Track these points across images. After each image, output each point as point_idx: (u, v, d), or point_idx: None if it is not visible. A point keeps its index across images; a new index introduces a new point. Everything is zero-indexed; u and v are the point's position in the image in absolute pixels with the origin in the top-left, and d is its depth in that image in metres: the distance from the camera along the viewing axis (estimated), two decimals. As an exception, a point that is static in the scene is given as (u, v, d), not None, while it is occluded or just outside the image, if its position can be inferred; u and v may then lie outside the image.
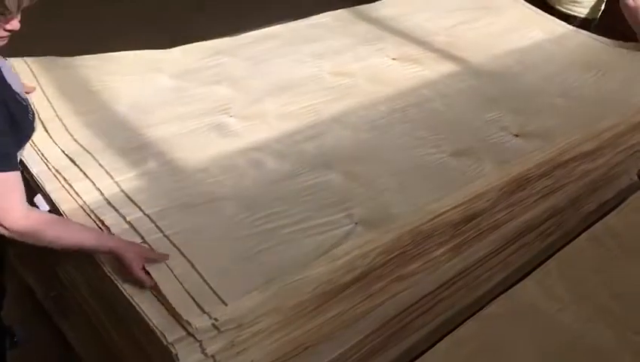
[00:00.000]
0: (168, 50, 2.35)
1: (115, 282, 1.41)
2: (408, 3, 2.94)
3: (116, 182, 1.69)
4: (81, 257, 1.54)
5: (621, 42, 2.72)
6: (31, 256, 1.95)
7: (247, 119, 2.02)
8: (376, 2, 2.94)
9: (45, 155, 1.75)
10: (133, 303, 1.37)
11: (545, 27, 2.83)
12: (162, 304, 1.37)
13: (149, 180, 1.72)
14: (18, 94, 1.42)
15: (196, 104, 2.07)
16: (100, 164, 1.75)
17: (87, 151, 1.79)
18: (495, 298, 1.93)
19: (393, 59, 2.45)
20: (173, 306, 1.34)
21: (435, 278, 1.82)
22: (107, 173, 1.72)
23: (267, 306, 1.40)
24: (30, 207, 1.38)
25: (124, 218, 1.57)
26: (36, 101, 1.87)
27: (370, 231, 1.60)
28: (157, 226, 1.56)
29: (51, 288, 1.91)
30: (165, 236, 1.53)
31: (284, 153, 1.89)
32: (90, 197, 1.64)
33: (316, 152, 1.90)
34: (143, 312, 1.35)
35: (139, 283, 1.40)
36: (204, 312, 1.34)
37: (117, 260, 1.42)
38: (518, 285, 1.90)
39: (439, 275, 1.83)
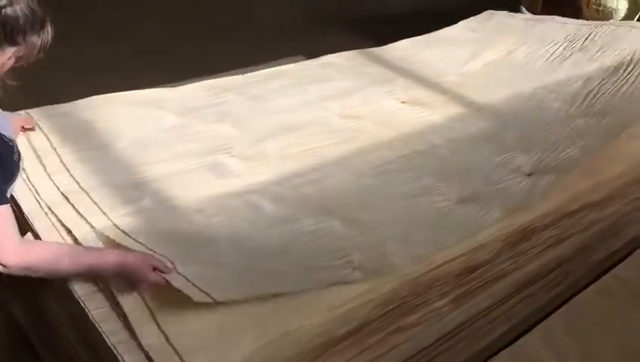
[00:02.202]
0: (174, 87, 2.34)
1: (99, 329, 1.37)
2: (421, 42, 2.92)
3: (110, 219, 1.65)
4: (67, 301, 1.49)
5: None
6: (20, 291, 1.91)
7: (249, 160, 1.99)
8: (391, 45, 2.92)
9: (39, 191, 1.72)
10: (116, 353, 1.32)
11: (570, 35, 2.75)
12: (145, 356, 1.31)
13: (144, 218, 1.68)
14: (4, 135, 1.39)
15: (197, 143, 2.04)
16: (94, 202, 1.71)
17: (82, 189, 1.76)
18: (498, 351, 1.86)
19: (402, 102, 2.41)
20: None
21: (436, 330, 1.76)
22: (101, 210, 1.68)
23: (256, 359, 1.34)
24: (23, 239, 1.39)
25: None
26: (36, 142, 1.86)
27: (368, 280, 1.55)
28: (148, 248, 1.52)
29: (39, 326, 1.86)
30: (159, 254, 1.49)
31: (284, 196, 1.84)
32: (82, 233, 1.60)
33: (317, 196, 1.85)
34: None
35: (155, 285, 1.41)
36: None
37: (123, 275, 1.41)
38: (521, 339, 1.82)
39: (440, 327, 1.76)
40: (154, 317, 1.38)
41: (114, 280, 1.44)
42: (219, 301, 1.39)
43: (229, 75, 2.52)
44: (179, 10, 4.74)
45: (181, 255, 1.51)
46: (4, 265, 1.30)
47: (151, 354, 1.30)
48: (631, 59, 2.39)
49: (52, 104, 2.16)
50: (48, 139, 1.95)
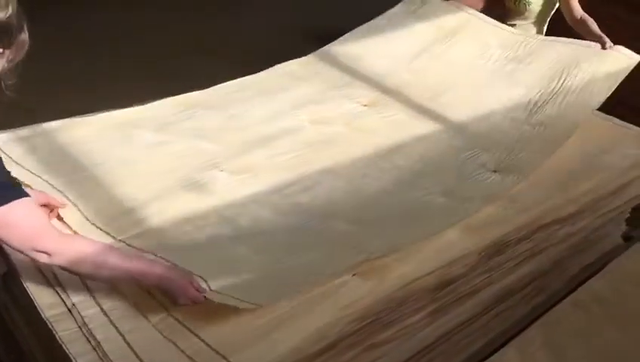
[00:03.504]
0: (140, 107, 2.32)
1: (67, 352, 1.35)
2: (366, 40, 2.92)
3: (123, 241, 1.65)
4: (36, 323, 1.47)
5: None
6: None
7: (238, 173, 2.00)
8: (337, 42, 2.91)
9: None
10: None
11: (503, 41, 2.77)
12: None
13: (153, 238, 1.68)
14: None
15: (182, 160, 2.04)
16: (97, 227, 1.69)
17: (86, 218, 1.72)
18: (475, 366, 1.86)
19: (364, 105, 2.47)
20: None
21: (411, 346, 1.75)
22: (109, 235, 1.67)
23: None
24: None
25: None
26: (16, 172, 1.80)
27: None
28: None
29: (11, 351, 1.82)
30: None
31: (281, 205, 1.89)
32: None
33: (312, 204, 1.91)
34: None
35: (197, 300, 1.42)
36: None
37: (164, 288, 1.42)
38: (498, 353, 1.81)
39: (415, 342, 1.76)
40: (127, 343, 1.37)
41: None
42: (264, 305, 1.43)
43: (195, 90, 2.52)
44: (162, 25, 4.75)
45: (205, 270, 1.51)
46: (48, 253, 1.31)
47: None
48: (562, 70, 2.47)
49: (26, 119, 2.13)
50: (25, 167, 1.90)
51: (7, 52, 1.29)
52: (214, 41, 4.62)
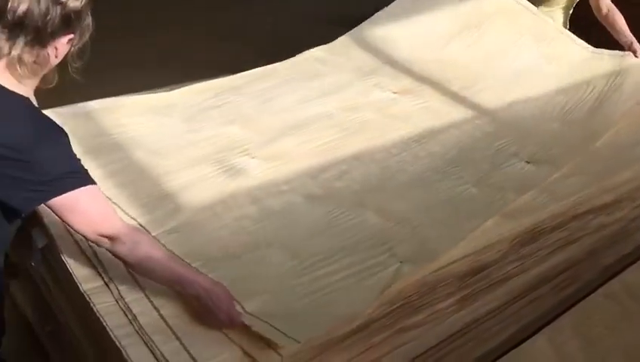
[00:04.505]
0: (172, 92, 2.33)
1: (104, 324, 1.38)
2: (395, 24, 2.89)
3: (155, 237, 1.64)
4: (74, 296, 1.51)
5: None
6: (30, 287, 1.93)
7: (270, 160, 2.01)
8: (363, 25, 2.88)
9: None
10: (120, 347, 1.33)
11: (537, 32, 2.75)
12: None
13: (186, 232, 1.68)
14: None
15: (213, 147, 2.05)
16: (132, 217, 1.71)
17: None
18: (505, 353, 1.84)
19: (394, 92, 2.46)
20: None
21: (441, 331, 1.74)
22: (142, 226, 1.67)
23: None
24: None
25: None
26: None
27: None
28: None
29: (47, 323, 1.87)
30: None
31: (315, 193, 1.89)
32: None
33: (346, 190, 1.91)
34: (129, 357, 1.31)
35: (231, 324, 1.39)
36: None
37: (205, 301, 1.39)
38: (528, 341, 1.80)
39: (445, 327, 1.75)
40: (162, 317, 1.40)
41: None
42: (302, 342, 1.37)
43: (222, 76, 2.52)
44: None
45: (241, 284, 1.51)
46: (111, 238, 1.34)
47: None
48: (591, 78, 2.50)
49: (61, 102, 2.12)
50: None
51: (75, 36, 1.31)
52: (239, 29, 4.60)
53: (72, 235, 1.59)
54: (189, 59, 3.90)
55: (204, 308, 1.38)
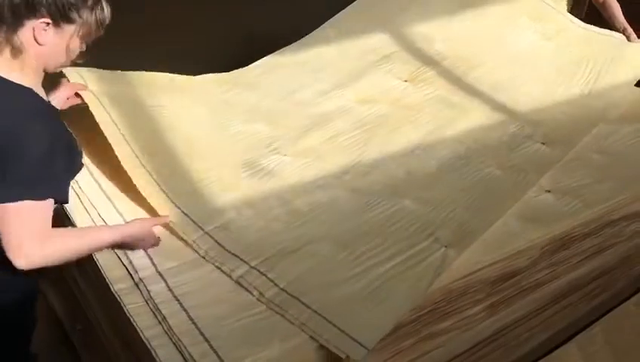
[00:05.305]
0: (193, 77, 2.31)
1: (135, 325, 1.39)
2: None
3: (207, 233, 1.66)
4: (105, 296, 1.53)
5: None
6: (60, 285, 1.95)
7: (301, 156, 2.03)
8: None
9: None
10: (150, 348, 1.34)
11: (536, 13, 2.82)
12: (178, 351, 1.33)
13: (238, 230, 1.70)
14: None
15: (243, 144, 2.06)
16: (185, 213, 1.70)
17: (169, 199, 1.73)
18: (535, 361, 1.82)
19: (405, 80, 2.50)
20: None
21: (470, 337, 1.72)
22: (195, 223, 1.68)
23: (287, 359, 1.35)
24: (47, 236, 1.34)
25: (231, 274, 1.56)
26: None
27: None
28: (268, 279, 1.54)
29: (77, 321, 1.90)
30: (282, 289, 1.51)
31: (355, 185, 1.92)
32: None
33: (379, 183, 1.95)
34: (158, 358, 1.32)
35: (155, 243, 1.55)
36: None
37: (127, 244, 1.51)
38: (559, 350, 1.78)
39: (474, 334, 1.73)
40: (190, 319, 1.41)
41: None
42: (370, 349, 1.39)
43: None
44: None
45: (299, 280, 1.54)
46: (22, 258, 1.29)
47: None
48: (590, 58, 2.63)
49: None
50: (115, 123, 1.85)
51: (69, 28, 1.34)
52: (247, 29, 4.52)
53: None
54: (198, 59, 3.84)
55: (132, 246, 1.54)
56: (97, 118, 1.76)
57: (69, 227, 1.62)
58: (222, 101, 2.25)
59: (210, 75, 2.37)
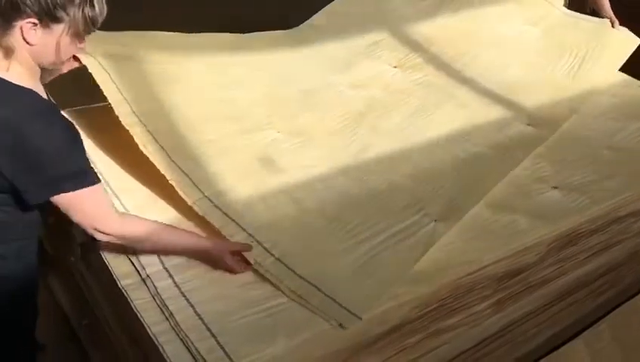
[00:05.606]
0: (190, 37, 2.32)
1: (142, 320, 1.39)
2: None
3: (207, 197, 1.69)
4: (111, 292, 1.53)
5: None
6: (66, 280, 1.96)
7: (294, 136, 2.05)
8: None
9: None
10: (157, 344, 1.34)
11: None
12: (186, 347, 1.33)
13: (235, 196, 1.74)
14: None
15: (240, 110, 2.09)
16: (185, 173, 1.73)
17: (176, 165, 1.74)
18: (541, 358, 1.82)
19: (394, 67, 2.54)
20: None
21: (476, 334, 1.73)
22: (195, 185, 1.71)
23: (293, 356, 1.35)
24: (121, 213, 1.54)
25: (229, 238, 1.60)
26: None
27: (400, 285, 1.54)
28: (265, 248, 1.59)
29: (84, 317, 1.90)
30: (277, 259, 1.56)
31: (344, 165, 1.96)
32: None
33: (371, 161, 1.99)
34: (165, 354, 1.32)
35: (233, 271, 1.53)
36: None
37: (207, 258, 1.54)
38: (566, 346, 1.79)
39: (481, 330, 1.74)
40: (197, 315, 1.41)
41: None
42: (362, 318, 1.42)
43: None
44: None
45: (292, 251, 1.59)
46: (106, 233, 1.42)
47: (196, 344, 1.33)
48: (574, 43, 2.70)
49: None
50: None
51: (58, 27, 1.32)
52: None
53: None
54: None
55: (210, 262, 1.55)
56: (96, 79, 1.77)
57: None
58: (222, 63, 2.28)
59: (212, 34, 2.41)
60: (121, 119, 1.74)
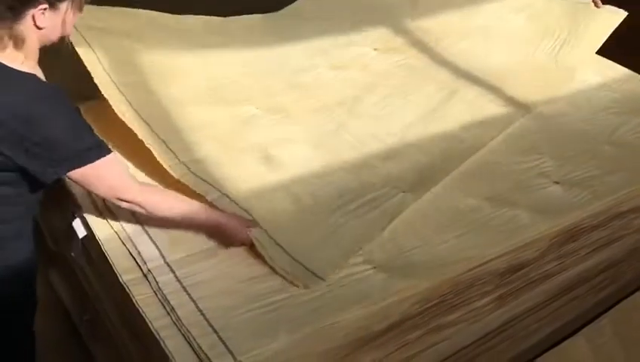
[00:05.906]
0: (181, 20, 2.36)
1: (143, 315, 1.39)
2: None
3: (183, 163, 1.74)
4: (112, 287, 1.53)
5: None
6: (67, 275, 1.97)
7: (272, 112, 2.10)
8: None
9: None
10: (159, 339, 1.34)
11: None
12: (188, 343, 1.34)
13: (212, 165, 1.80)
14: None
15: (222, 94, 2.12)
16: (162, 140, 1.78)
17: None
18: (542, 353, 1.82)
19: (375, 49, 2.56)
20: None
21: (478, 329, 1.73)
22: (172, 151, 1.76)
23: (295, 351, 1.35)
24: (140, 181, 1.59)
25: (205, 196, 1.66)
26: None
27: (401, 280, 1.55)
28: (241, 208, 1.66)
29: (85, 312, 1.91)
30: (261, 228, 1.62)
31: (319, 143, 2.00)
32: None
33: (346, 140, 2.04)
34: (167, 349, 1.32)
35: (245, 243, 1.59)
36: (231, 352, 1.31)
37: (218, 232, 1.59)
38: (567, 341, 1.79)
39: (482, 326, 1.74)
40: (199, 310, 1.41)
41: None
42: (326, 280, 1.50)
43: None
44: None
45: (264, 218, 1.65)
46: (128, 201, 1.47)
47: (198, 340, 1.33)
48: (558, 24, 2.70)
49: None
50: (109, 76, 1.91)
51: (64, 4, 1.36)
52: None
53: (111, 227, 1.62)
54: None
55: (221, 237, 1.59)
56: (78, 50, 1.80)
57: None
58: (205, 43, 2.31)
59: (198, 16, 2.43)
60: (100, 88, 1.78)
